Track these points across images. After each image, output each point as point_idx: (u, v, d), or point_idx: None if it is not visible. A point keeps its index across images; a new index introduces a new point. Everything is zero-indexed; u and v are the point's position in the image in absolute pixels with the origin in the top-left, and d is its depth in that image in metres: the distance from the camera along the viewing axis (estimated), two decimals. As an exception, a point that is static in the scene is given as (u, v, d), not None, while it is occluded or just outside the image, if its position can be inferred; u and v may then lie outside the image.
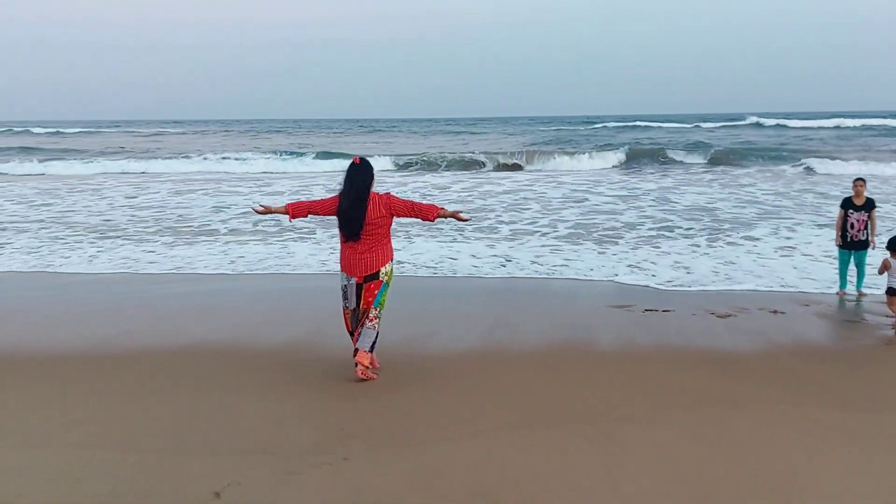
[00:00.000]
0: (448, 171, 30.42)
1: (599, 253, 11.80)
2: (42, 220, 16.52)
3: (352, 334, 6.01)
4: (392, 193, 5.95)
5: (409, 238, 12.96)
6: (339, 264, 6.03)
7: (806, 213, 15.89)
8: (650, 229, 14.04)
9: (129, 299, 9.05)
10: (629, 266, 10.78)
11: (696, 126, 62.31)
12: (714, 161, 31.08)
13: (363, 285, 5.84)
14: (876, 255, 8.66)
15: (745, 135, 49.60)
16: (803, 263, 10.83)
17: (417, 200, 6.28)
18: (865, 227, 9.03)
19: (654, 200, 18.64)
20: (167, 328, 7.61)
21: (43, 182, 27.05)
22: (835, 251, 9.41)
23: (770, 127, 59.04)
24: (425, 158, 32.89)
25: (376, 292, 5.85)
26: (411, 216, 5.89)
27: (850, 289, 9.12)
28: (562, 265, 10.94)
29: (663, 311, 8.19)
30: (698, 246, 12.26)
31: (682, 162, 31.38)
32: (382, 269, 5.85)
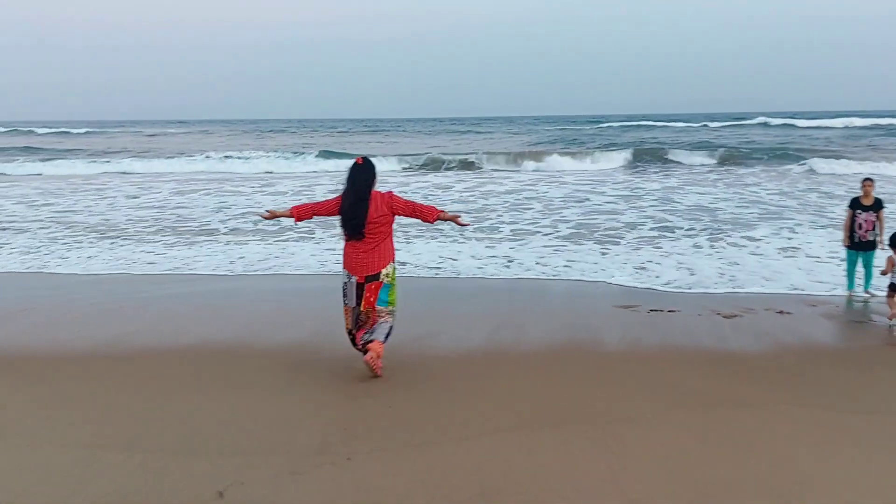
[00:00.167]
0: (450, 170, 30.34)
1: (602, 253, 11.73)
2: (43, 220, 16.53)
3: (350, 332, 6.02)
4: (394, 192, 5.95)
5: (409, 239, 12.85)
6: (341, 263, 6.04)
7: (810, 213, 15.78)
8: (651, 229, 13.96)
9: (131, 299, 9.05)
10: (634, 267, 10.72)
11: (703, 125, 62.06)
12: (719, 161, 30.88)
13: (364, 285, 5.84)
14: (884, 257, 8.52)
15: (752, 134, 49.41)
16: (809, 264, 10.74)
17: (419, 201, 6.23)
18: (874, 228, 8.95)
19: (657, 200, 18.56)
20: (170, 328, 7.61)
21: (45, 182, 27.13)
22: (841, 252, 9.27)
23: (777, 126, 58.84)
24: (428, 160, 32.70)
25: (377, 294, 5.86)
26: (412, 216, 5.90)
27: (858, 290, 9.01)
28: (564, 266, 10.87)
29: (669, 311, 8.14)
30: (700, 247, 12.17)
31: (686, 162, 31.17)
32: (383, 271, 5.86)
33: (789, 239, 12.65)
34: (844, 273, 9.26)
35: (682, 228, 13.95)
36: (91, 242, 13.52)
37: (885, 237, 8.99)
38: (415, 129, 72.46)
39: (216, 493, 3.98)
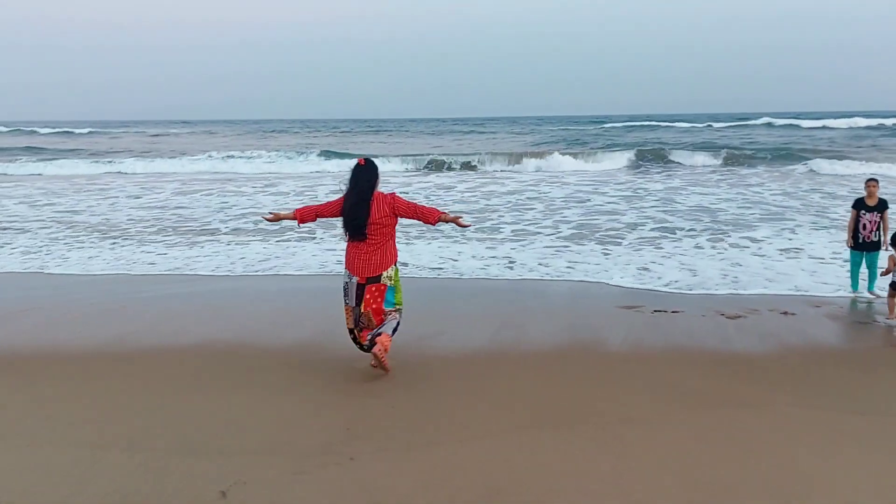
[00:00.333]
0: (452, 171, 30.31)
1: (604, 254, 11.69)
2: (44, 220, 16.54)
3: (352, 331, 6.04)
4: (397, 194, 5.95)
5: (409, 240, 12.81)
6: (341, 263, 6.09)
7: (812, 214, 15.72)
8: (654, 230, 13.92)
9: (132, 299, 9.05)
10: (637, 268, 10.69)
11: (707, 126, 61.94)
12: (723, 161, 30.79)
13: (364, 286, 5.85)
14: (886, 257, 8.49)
15: (755, 135, 49.34)
16: (812, 265, 10.70)
17: (422, 201, 6.23)
18: (878, 228, 8.90)
19: (659, 201, 18.53)
20: (171, 328, 7.61)
21: (48, 182, 27.15)
22: (844, 252, 9.23)
23: (781, 126, 58.71)
24: (431, 161, 32.64)
25: (382, 297, 5.88)
26: (413, 218, 5.91)
27: (863, 291, 8.98)
28: (566, 266, 10.84)
29: (672, 311, 8.12)
30: (702, 248, 12.13)
31: (689, 162, 31.10)
32: (385, 273, 5.87)
33: (792, 240, 12.60)
34: (848, 274, 9.22)
35: (684, 229, 13.92)
36: (93, 243, 13.52)
37: (889, 237, 8.97)
38: (417, 130, 72.44)
39: (219, 493, 3.98)
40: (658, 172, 27.83)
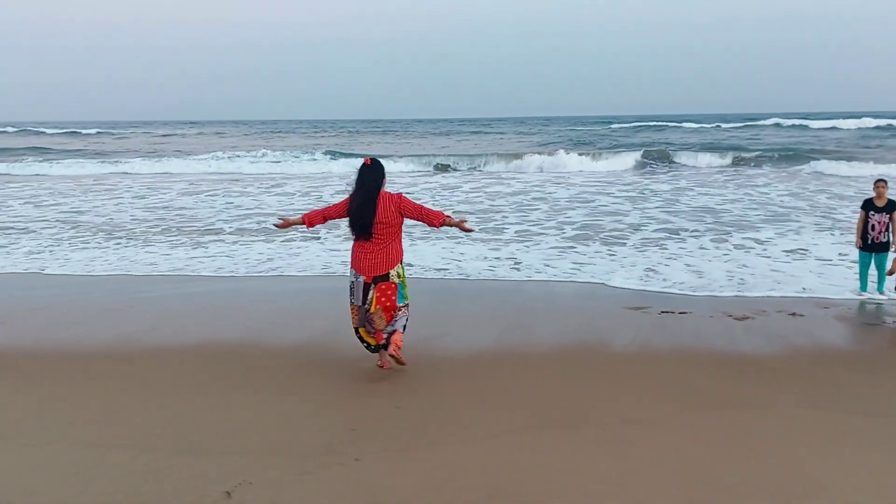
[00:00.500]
0: (457, 171, 30.28)
1: (609, 255, 11.64)
2: (49, 220, 16.60)
3: (357, 330, 6.06)
4: (403, 194, 5.98)
5: (413, 241, 12.77)
6: (345, 264, 6.08)
7: (819, 215, 15.63)
8: (660, 231, 13.88)
9: (137, 299, 9.06)
10: (643, 269, 10.65)
11: (715, 126, 61.70)
12: (730, 162, 30.65)
13: (371, 285, 5.87)
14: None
15: (763, 135, 49.14)
16: (820, 266, 10.63)
17: (427, 201, 6.23)
18: (887, 229, 8.82)
19: (665, 202, 18.48)
20: (176, 328, 7.61)
21: (54, 183, 27.22)
22: (852, 253, 9.14)
23: (789, 127, 58.45)
24: (437, 162, 32.60)
25: (395, 294, 5.93)
26: (418, 219, 5.94)
27: (873, 293, 8.91)
28: (571, 268, 10.80)
29: (679, 313, 8.07)
30: (708, 249, 12.07)
31: (696, 163, 30.97)
32: (392, 272, 5.90)
33: (798, 241, 12.52)
34: (856, 275, 9.13)
35: (690, 231, 13.86)
36: (97, 243, 13.56)
37: None
38: (424, 130, 72.44)
39: (223, 494, 3.97)
40: (665, 173, 27.74)
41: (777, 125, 61.16)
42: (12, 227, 15.51)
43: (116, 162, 35.38)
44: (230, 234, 14.37)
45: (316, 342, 6.99)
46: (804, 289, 9.19)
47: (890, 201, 8.88)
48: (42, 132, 72.93)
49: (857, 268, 9.17)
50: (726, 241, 12.63)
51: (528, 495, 3.95)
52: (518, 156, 32.50)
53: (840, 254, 11.20)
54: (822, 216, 15.37)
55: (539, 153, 33.12)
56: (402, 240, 6.10)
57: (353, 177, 5.96)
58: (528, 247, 12.44)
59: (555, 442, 4.63)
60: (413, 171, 30.45)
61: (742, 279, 9.81)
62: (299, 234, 13.72)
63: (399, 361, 6.05)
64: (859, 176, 24.53)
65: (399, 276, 5.96)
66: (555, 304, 8.72)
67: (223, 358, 6.51)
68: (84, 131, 75.02)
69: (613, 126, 66.82)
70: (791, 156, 31.32)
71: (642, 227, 14.26)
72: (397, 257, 5.95)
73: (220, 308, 8.51)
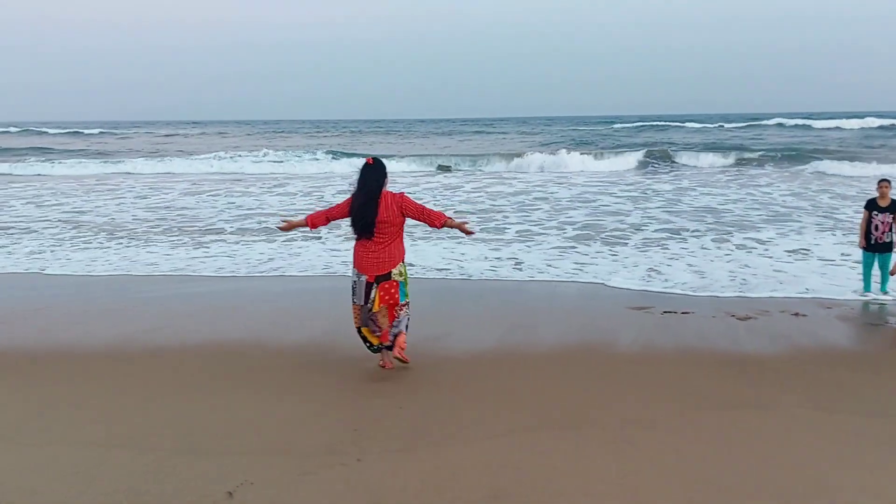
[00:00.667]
0: (459, 171, 30.26)
1: (612, 255, 11.62)
2: (51, 220, 16.61)
3: (360, 330, 6.07)
4: (406, 194, 6.00)
5: (414, 241, 12.75)
6: (345, 264, 6.09)
7: (821, 215, 15.59)
8: (662, 231, 13.85)
9: (140, 300, 9.07)
10: (645, 270, 10.63)
11: (718, 126, 61.59)
12: (732, 162, 30.59)
13: (374, 284, 5.89)
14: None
15: (766, 135, 49.07)
16: (823, 266, 10.61)
17: (429, 201, 6.26)
18: (890, 229, 8.80)
19: (667, 202, 18.46)
20: (178, 328, 7.61)
21: (56, 183, 27.27)
22: (855, 254, 9.10)
23: (792, 127, 58.32)
24: (439, 162, 32.57)
25: (397, 292, 5.96)
26: (419, 220, 5.97)
27: (875, 291, 8.88)
28: (573, 268, 10.78)
29: (682, 313, 8.05)
30: (710, 249, 12.04)
31: (698, 163, 30.91)
32: (395, 270, 5.93)
33: (801, 241, 12.49)
34: (860, 275, 9.10)
35: (692, 231, 13.83)
36: (99, 243, 13.55)
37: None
38: (427, 130, 72.42)
39: (225, 494, 3.96)
40: (667, 173, 27.71)
41: (780, 125, 61.05)
42: (14, 227, 15.52)
43: (119, 162, 35.39)
44: (231, 233, 14.36)
45: (317, 342, 6.98)
46: (807, 290, 9.16)
47: (893, 201, 8.84)
48: (45, 132, 73.01)
49: (860, 268, 9.13)
50: (728, 241, 12.60)
51: (530, 495, 3.94)
52: (520, 155, 32.44)
53: (843, 254, 11.17)
54: (825, 216, 15.33)
55: (541, 153, 33.03)
56: (404, 239, 6.11)
57: (356, 176, 5.99)
58: (529, 247, 12.42)
59: (557, 442, 4.61)
60: (415, 171, 30.42)
61: (744, 279, 9.78)
62: (300, 235, 13.71)
63: (403, 360, 6.11)
64: (862, 176, 24.48)
65: (401, 275, 6.00)
66: (557, 304, 8.70)
67: (224, 358, 6.51)
68: (86, 131, 75.06)
69: (616, 126, 66.70)
70: (794, 156, 31.25)
71: (644, 227, 14.23)
72: (399, 256, 5.98)
73: (222, 308, 8.51)
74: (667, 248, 12.03)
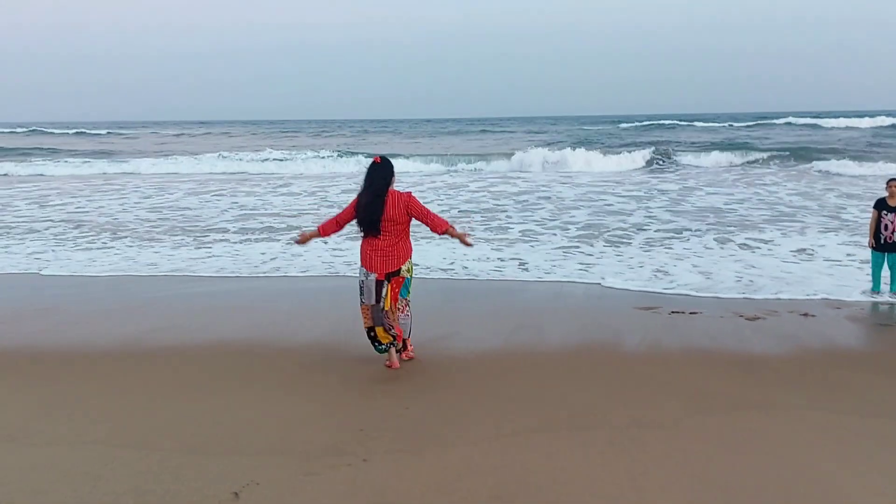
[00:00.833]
0: (465, 170, 30.22)
1: (616, 255, 11.56)
2: (58, 221, 16.64)
3: (371, 330, 6.07)
4: (413, 194, 6.05)
5: (417, 241, 12.62)
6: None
7: (828, 215, 15.48)
8: (667, 231, 13.78)
9: (143, 299, 9.07)
10: (653, 270, 10.56)
11: (727, 125, 61.30)
12: (739, 161, 30.39)
13: (384, 282, 5.95)
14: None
15: (775, 134, 48.83)
16: (830, 266, 10.52)
17: (432, 199, 6.29)
18: (899, 229, 8.61)
19: (672, 201, 18.39)
20: (185, 328, 7.62)
21: (64, 183, 27.42)
22: (861, 254, 8.98)
23: (801, 126, 58.01)
24: (444, 160, 32.48)
25: (400, 288, 6.04)
26: (422, 222, 6.02)
27: (884, 291, 8.80)
28: (578, 268, 10.73)
29: (690, 313, 8.00)
30: (716, 249, 11.96)
31: (705, 162, 30.72)
32: (403, 267, 6.01)
33: (808, 241, 12.39)
34: (867, 275, 9.00)
35: (698, 230, 13.74)
36: (103, 243, 13.56)
37: None
38: (433, 130, 72.37)
39: (231, 494, 3.96)
40: (673, 172, 27.58)
41: (789, 124, 60.74)
42: (18, 227, 15.54)
43: (124, 162, 35.42)
44: (234, 233, 14.34)
45: (323, 342, 6.97)
46: (816, 291, 9.04)
47: (903, 201, 8.72)
48: (51, 132, 73.27)
49: (867, 268, 9.04)
50: (735, 241, 12.52)
51: (536, 496, 3.92)
52: (524, 155, 32.20)
53: (848, 254, 11.09)
54: (831, 216, 15.22)
55: (545, 150, 32.84)
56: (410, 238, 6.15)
57: (363, 175, 6.05)
58: (533, 246, 12.37)
59: (564, 443, 4.59)
60: (420, 171, 30.33)
61: (751, 280, 9.70)
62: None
63: (409, 359, 6.24)
64: (869, 175, 24.31)
65: (409, 272, 6.08)
66: (563, 304, 8.65)
67: (229, 358, 6.51)
68: (93, 131, 75.32)
69: (622, 125, 66.45)
70: (802, 154, 30.99)
71: (649, 227, 14.15)
72: (407, 253, 6.04)
73: (226, 308, 8.50)
74: (672, 249, 11.96)
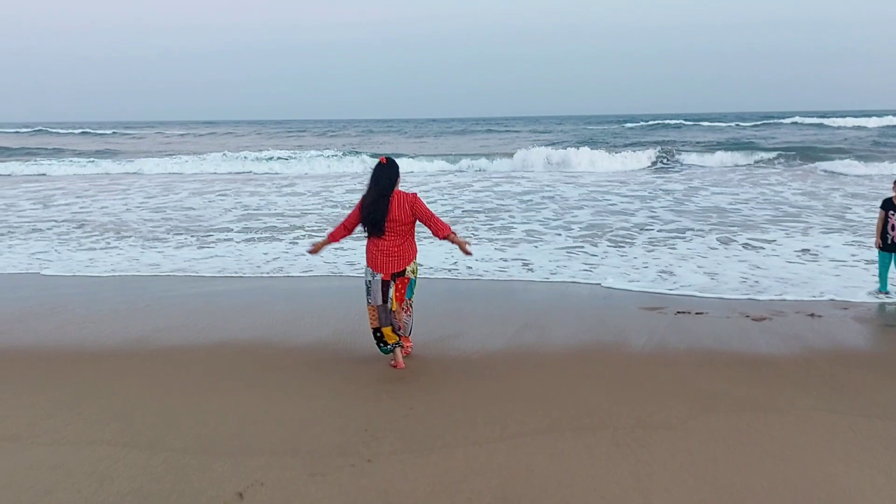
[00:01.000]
0: (469, 169, 30.22)
1: (621, 256, 11.51)
2: (63, 221, 16.69)
3: (378, 330, 6.10)
4: (419, 195, 6.08)
5: (419, 241, 12.58)
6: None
7: (834, 215, 15.41)
8: (672, 231, 13.74)
9: (150, 299, 9.09)
10: (658, 271, 10.53)
11: (733, 125, 61.08)
12: (745, 160, 30.28)
13: (390, 282, 5.99)
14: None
15: (781, 133, 48.67)
16: (836, 267, 10.46)
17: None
18: (906, 229, 8.56)
19: (677, 201, 18.35)
20: (190, 328, 7.63)
21: (71, 183, 27.51)
22: (864, 254, 8.92)
23: (808, 125, 57.78)
24: (449, 159, 32.45)
25: (405, 288, 6.08)
26: (425, 225, 6.06)
27: (892, 292, 8.75)
28: (582, 268, 10.70)
29: (696, 313, 7.97)
30: (721, 249, 11.91)
31: (710, 162, 30.60)
32: (409, 268, 6.04)
33: (814, 241, 12.33)
34: (873, 276, 8.95)
35: (703, 231, 13.70)
36: (107, 242, 13.59)
37: None
38: (438, 129, 72.37)
39: (236, 494, 3.97)
40: (678, 171, 27.50)
41: (796, 123, 60.51)
42: (23, 227, 15.59)
43: (129, 161, 35.48)
44: (238, 233, 14.35)
45: (328, 342, 6.97)
46: (822, 292, 8.99)
47: (910, 201, 8.68)
48: (56, 132, 73.47)
49: (872, 268, 8.97)
50: (741, 241, 12.47)
51: (542, 498, 3.91)
52: (528, 154, 32.11)
53: (852, 254, 11.04)
54: (836, 216, 15.15)
55: (551, 151, 32.75)
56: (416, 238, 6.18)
57: (368, 176, 6.07)
58: (537, 247, 12.35)
59: (570, 444, 4.58)
60: (424, 170, 30.31)
61: (757, 280, 9.65)
62: (305, 234, 13.78)
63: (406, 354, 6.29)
64: (876, 175, 24.21)
65: (413, 272, 6.10)
66: (567, 304, 8.63)
67: (235, 358, 6.52)
68: (98, 131, 75.49)
69: (628, 125, 66.29)
70: (808, 154, 30.86)
71: (657, 228, 14.11)
72: (412, 254, 6.07)
73: (231, 308, 8.50)
74: (674, 249, 11.91)
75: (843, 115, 72.05)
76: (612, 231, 13.66)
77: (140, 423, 5.00)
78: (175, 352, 6.72)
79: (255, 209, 18.06)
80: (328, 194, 21.29)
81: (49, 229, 15.16)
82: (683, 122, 66.84)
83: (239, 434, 4.79)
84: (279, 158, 34.99)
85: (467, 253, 6.07)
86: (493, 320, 7.73)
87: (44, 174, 31.25)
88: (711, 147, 35.11)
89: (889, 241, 8.67)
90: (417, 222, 6.09)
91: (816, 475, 4.15)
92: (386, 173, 5.97)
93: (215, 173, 30.85)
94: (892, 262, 8.72)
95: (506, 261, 11.25)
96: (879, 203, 8.96)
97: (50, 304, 8.71)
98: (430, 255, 11.45)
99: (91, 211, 18.27)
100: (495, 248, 12.18)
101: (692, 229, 13.76)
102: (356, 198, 6.14)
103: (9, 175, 31.01)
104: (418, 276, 6.24)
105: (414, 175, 27.66)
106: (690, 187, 21.52)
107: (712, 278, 9.80)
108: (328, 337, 7.13)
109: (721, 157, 30.96)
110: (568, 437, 4.69)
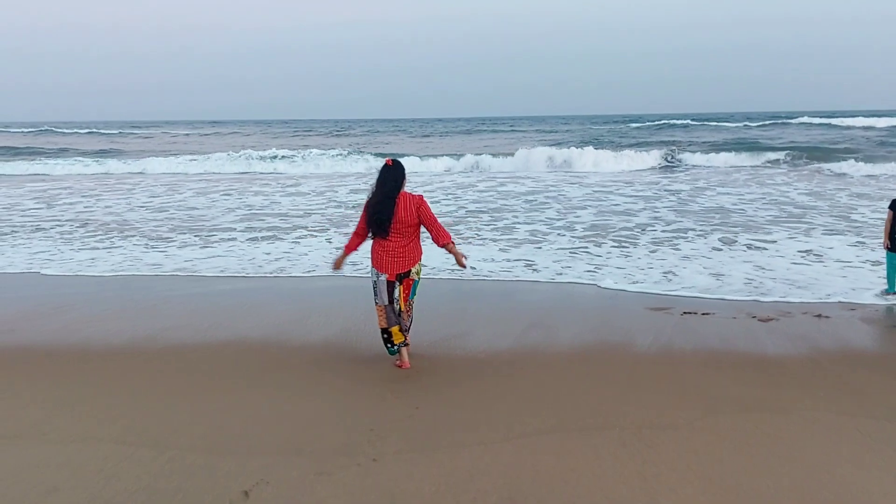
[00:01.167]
0: (474, 169, 30.19)
1: (625, 256, 11.49)
2: (66, 220, 16.73)
3: (386, 331, 6.09)
4: (424, 198, 6.10)
5: (422, 240, 12.57)
6: (365, 262, 6.18)
7: (840, 216, 15.31)
8: (677, 231, 13.69)
9: (156, 298, 9.12)
10: (663, 272, 10.50)
11: (741, 125, 60.87)
12: (751, 160, 30.17)
13: (396, 283, 6.03)
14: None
15: (788, 133, 48.41)
16: (843, 268, 10.40)
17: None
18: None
19: (682, 202, 18.28)
20: (196, 327, 7.65)
21: (76, 182, 27.59)
22: (871, 255, 8.86)
23: (817, 125, 57.46)
24: (452, 159, 32.44)
25: (410, 289, 6.14)
26: (427, 229, 6.07)
27: None
28: (587, 268, 10.67)
29: (702, 314, 7.95)
30: (727, 250, 11.86)
31: (716, 162, 30.47)
32: (413, 269, 6.07)
33: (819, 242, 12.27)
34: (881, 277, 8.92)
35: (708, 231, 13.65)
36: (111, 242, 13.61)
37: None
38: (444, 129, 72.35)
39: (242, 493, 3.98)
40: (684, 171, 27.43)
41: (804, 123, 60.23)
42: (26, 227, 15.62)
43: (135, 161, 35.54)
44: (242, 232, 14.37)
45: (333, 342, 6.97)
46: (828, 293, 8.96)
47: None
48: (62, 132, 73.65)
49: (879, 269, 8.91)
50: (746, 242, 12.43)
51: (548, 498, 3.90)
52: (533, 153, 32.04)
53: (857, 255, 10.98)
54: (842, 216, 15.07)
55: (555, 151, 32.69)
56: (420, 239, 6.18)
57: (374, 178, 6.09)
58: (541, 247, 12.32)
59: (576, 445, 4.57)
60: (429, 170, 30.31)
61: (762, 281, 9.61)
62: (307, 233, 13.84)
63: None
64: (882, 175, 24.10)
65: (418, 273, 6.13)
66: (572, 305, 8.61)
67: (241, 357, 6.53)
68: (104, 131, 75.67)
69: (634, 125, 66.11)
70: (815, 154, 30.68)
71: (662, 228, 14.06)
72: (418, 256, 6.08)
73: (237, 308, 8.51)
74: (678, 249, 11.87)
75: (853, 114, 71.68)
76: (615, 231, 13.63)
77: (146, 421, 5.01)
78: (181, 350, 6.73)
79: (258, 209, 18.09)
80: (332, 194, 21.30)
81: (52, 228, 15.21)
82: (690, 121, 66.59)
83: (245, 433, 4.79)
84: (284, 157, 35.01)
85: (462, 266, 6.12)
86: (498, 320, 7.72)
87: (48, 174, 31.33)
88: (718, 147, 34.98)
89: (897, 242, 8.61)
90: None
91: (823, 476, 4.13)
92: (392, 175, 5.97)
93: (221, 172, 30.90)
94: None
95: (510, 261, 11.23)
96: (886, 203, 8.90)
97: (55, 304, 8.73)
98: (435, 255, 11.45)
99: (94, 210, 18.32)
100: (499, 249, 12.16)
101: (694, 229, 13.71)
102: (360, 197, 6.13)
103: (14, 175, 31.10)
104: (421, 277, 6.25)
105: (419, 175, 27.65)
106: (696, 187, 21.45)
107: (717, 279, 9.77)
108: (333, 337, 7.13)
109: (728, 158, 30.84)
110: (574, 438, 4.67)
